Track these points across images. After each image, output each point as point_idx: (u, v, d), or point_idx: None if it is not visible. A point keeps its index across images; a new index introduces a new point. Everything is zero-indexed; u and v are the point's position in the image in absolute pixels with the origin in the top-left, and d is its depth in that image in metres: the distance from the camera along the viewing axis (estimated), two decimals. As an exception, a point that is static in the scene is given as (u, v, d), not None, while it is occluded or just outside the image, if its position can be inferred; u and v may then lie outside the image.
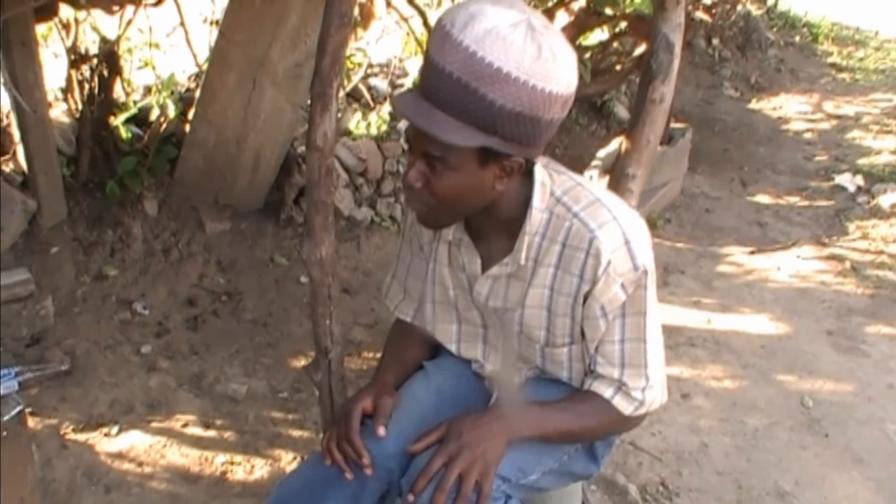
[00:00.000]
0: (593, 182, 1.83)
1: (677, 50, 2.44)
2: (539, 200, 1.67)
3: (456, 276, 1.86)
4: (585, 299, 1.69)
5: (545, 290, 1.73)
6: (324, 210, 1.96)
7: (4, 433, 2.03)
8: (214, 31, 3.58)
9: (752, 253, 4.55)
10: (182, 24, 3.37)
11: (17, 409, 2.09)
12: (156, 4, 2.96)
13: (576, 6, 4.60)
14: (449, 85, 1.44)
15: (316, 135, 1.86)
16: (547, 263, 1.71)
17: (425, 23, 3.92)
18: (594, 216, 1.65)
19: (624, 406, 1.77)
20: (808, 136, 6.30)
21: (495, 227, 1.73)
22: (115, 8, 2.87)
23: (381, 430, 1.78)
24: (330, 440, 1.80)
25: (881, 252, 4.60)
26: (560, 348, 1.81)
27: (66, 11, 3.18)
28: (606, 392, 1.77)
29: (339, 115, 4.26)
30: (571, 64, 1.51)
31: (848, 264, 4.45)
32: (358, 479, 1.80)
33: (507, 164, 1.56)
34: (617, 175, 2.54)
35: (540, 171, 1.68)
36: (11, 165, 3.29)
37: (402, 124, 4.33)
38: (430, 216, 1.66)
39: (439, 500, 1.62)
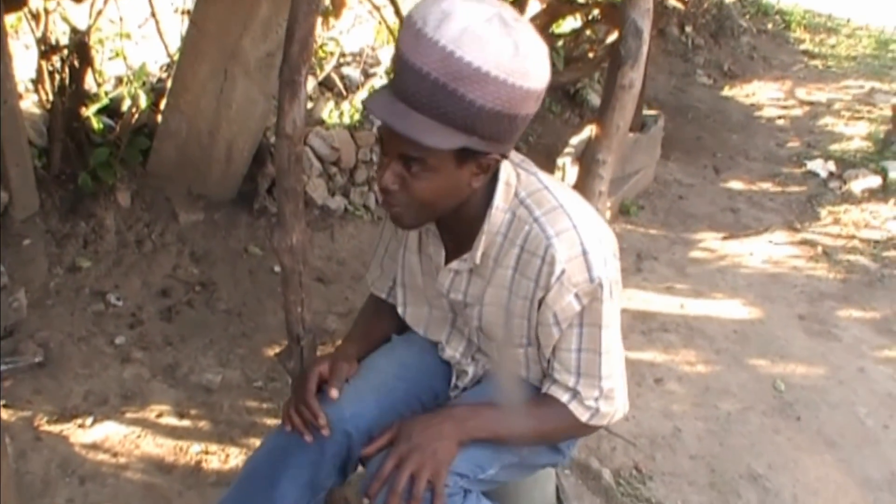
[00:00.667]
0: (564, 186, 1.81)
1: (646, 35, 2.45)
2: (501, 200, 1.66)
3: (424, 262, 1.87)
4: (540, 305, 1.68)
5: (504, 290, 1.73)
6: (294, 198, 1.96)
7: (-25, 426, 2.03)
8: (186, 22, 3.56)
9: (724, 239, 4.59)
10: (153, 14, 3.36)
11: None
12: None
13: (549, -6, 4.60)
14: (427, 87, 1.41)
15: (285, 122, 1.87)
16: (506, 265, 1.70)
17: (397, 11, 3.92)
18: (553, 223, 1.63)
19: (580, 413, 1.76)
20: (780, 122, 6.35)
21: (460, 223, 1.71)
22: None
23: (334, 392, 1.79)
24: (288, 405, 1.82)
25: (853, 237, 4.66)
26: (517, 349, 1.81)
27: (35, 2, 3.16)
28: (563, 397, 1.76)
29: (312, 104, 4.25)
30: (545, 58, 1.49)
31: (820, 249, 4.51)
32: (317, 445, 1.81)
33: (484, 161, 1.55)
34: (587, 161, 2.55)
35: (506, 171, 1.67)
36: (-18, 158, 3.27)
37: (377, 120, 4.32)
38: (407, 217, 1.63)
39: (393, 502, 1.63)
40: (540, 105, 1.55)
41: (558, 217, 1.64)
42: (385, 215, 2.01)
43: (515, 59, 1.42)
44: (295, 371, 2.14)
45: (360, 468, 1.89)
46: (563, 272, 1.61)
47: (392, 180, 1.55)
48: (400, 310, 2.00)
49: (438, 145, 1.45)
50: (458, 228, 1.73)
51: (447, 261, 1.79)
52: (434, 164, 1.51)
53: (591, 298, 1.65)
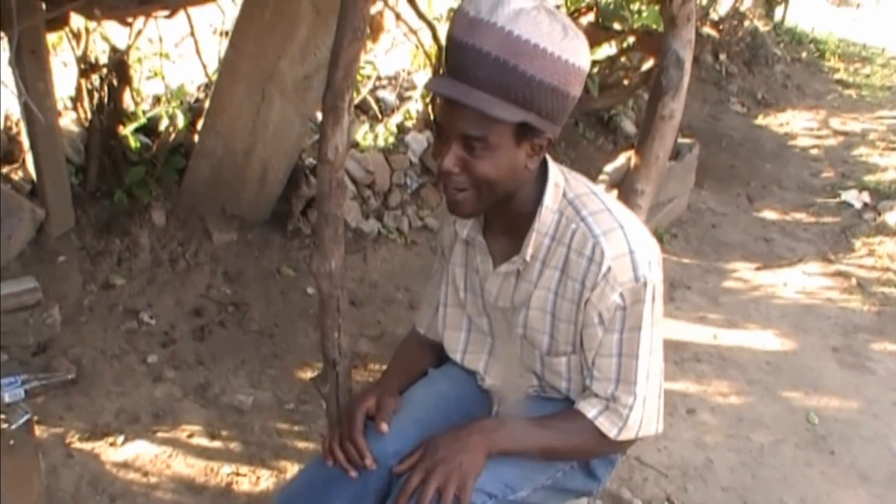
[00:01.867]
0: (609, 194, 1.83)
1: (687, 66, 2.45)
2: (551, 200, 1.69)
3: (469, 277, 1.88)
4: (585, 305, 1.69)
5: (549, 293, 1.74)
6: (334, 223, 1.97)
7: (11, 442, 2.04)
8: (224, 42, 3.60)
9: (758, 269, 4.55)
10: (192, 34, 3.39)
11: (25, 417, 2.10)
12: (168, 16, 2.97)
13: (584, 21, 4.61)
14: (487, 64, 1.47)
15: (327, 148, 1.88)
16: (553, 266, 1.71)
17: (434, 36, 3.93)
18: (600, 223, 1.66)
19: (607, 428, 1.75)
20: (814, 152, 6.31)
21: (508, 222, 1.74)
22: (129, 19, 2.89)
23: (384, 427, 1.79)
24: (332, 440, 1.81)
25: (887, 269, 4.60)
26: (561, 357, 1.80)
27: (77, 20, 3.19)
28: (591, 412, 1.75)
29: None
30: (586, 44, 1.56)
31: (854, 281, 4.46)
32: (361, 480, 1.80)
33: (538, 141, 1.59)
34: (626, 191, 2.55)
35: (554, 171, 1.71)
36: (20, 174, 3.31)
37: (410, 137, 4.34)
38: (468, 202, 1.65)
39: None
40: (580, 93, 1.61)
41: (605, 218, 1.67)
42: (438, 267, 2.03)
43: (566, 39, 1.50)
44: (330, 395, 2.14)
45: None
46: (609, 269, 1.63)
47: (453, 163, 1.58)
48: (440, 332, 2.01)
49: (502, 116, 1.50)
50: (505, 232, 1.76)
51: (494, 268, 1.81)
52: (495, 142, 1.54)
53: (634, 299, 1.66)
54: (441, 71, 1.82)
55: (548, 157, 1.70)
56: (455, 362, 2.03)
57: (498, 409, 1.98)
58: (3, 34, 2.64)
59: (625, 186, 2.58)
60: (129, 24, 2.92)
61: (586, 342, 1.74)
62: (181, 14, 3.39)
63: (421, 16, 3.75)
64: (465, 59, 1.50)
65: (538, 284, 1.75)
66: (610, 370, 1.73)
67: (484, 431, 1.74)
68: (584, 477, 1.93)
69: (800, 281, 4.43)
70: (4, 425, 2.06)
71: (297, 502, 1.86)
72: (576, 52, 1.52)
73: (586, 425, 1.76)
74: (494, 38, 1.46)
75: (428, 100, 4.48)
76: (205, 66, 3.63)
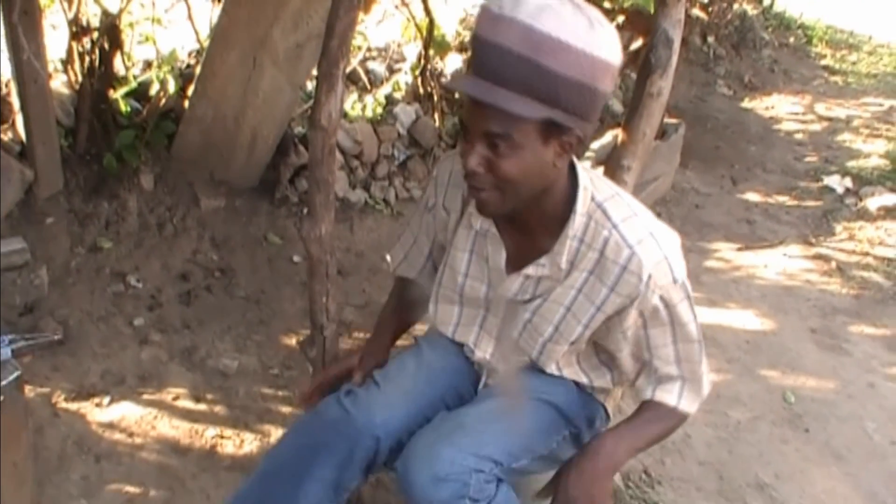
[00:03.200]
0: (627, 193, 1.87)
1: (676, 45, 2.47)
2: (581, 205, 1.70)
3: (474, 263, 1.89)
4: (620, 312, 1.75)
5: (573, 290, 1.77)
6: (325, 188, 1.99)
7: (2, 398, 2.06)
8: (216, 9, 3.60)
9: (740, 249, 4.60)
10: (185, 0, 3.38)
11: (15, 374, 2.12)
12: None
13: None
14: (510, 61, 1.45)
15: (321, 114, 1.90)
16: (582, 268, 1.75)
17: (426, 8, 3.94)
18: (633, 231, 1.70)
19: (687, 406, 1.88)
20: (799, 136, 6.36)
21: (534, 221, 1.75)
22: None
23: (358, 377, 1.95)
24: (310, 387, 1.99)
25: (867, 254, 4.67)
26: (560, 345, 1.86)
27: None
28: (671, 399, 1.87)
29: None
30: (616, 36, 1.54)
31: (834, 264, 4.52)
32: (347, 447, 1.86)
33: (567, 139, 1.57)
34: (612, 166, 2.57)
35: (584, 175, 1.72)
36: (10, 135, 3.30)
37: (399, 109, 4.35)
38: (493, 201, 1.64)
39: None
40: (613, 87, 1.60)
41: (636, 225, 1.71)
42: (419, 210, 2.06)
43: (591, 32, 1.47)
44: (317, 360, 2.17)
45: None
46: (649, 277, 1.68)
47: (477, 162, 1.57)
48: (431, 308, 2.03)
49: (525, 114, 1.49)
50: (532, 224, 1.77)
51: (507, 262, 1.83)
52: (519, 140, 1.53)
53: (675, 298, 1.73)
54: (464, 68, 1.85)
55: (574, 160, 1.71)
56: (440, 335, 2.06)
57: (486, 381, 2.03)
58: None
59: (611, 162, 2.60)
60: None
61: (632, 341, 1.83)
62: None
63: (413, -12, 3.76)
64: (487, 56, 1.49)
65: (564, 283, 1.78)
66: (670, 356, 1.83)
67: (602, 455, 1.82)
68: (573, 447, 2.00)
69: (781, 263, 4.49)
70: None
71: (286, 466, 1.91)
72: (603, 46, 1.49)
73: (670, 411, 1.87)
74: (516, 35, 1.44)
75: (417, 72, 4.50)
76: (197, 33, 3.63)
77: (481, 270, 1.89)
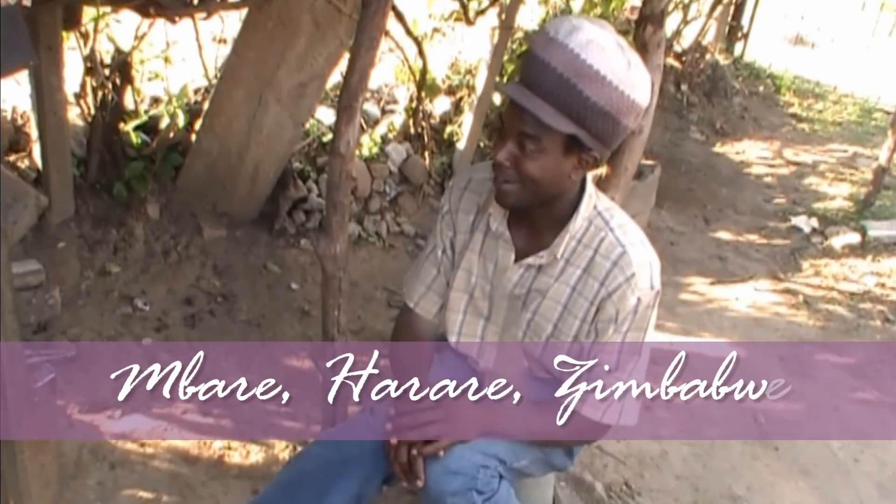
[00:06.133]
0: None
1: (656, 88, 2.70)
2: (584, 209, 1.92)
3: (484, 265, 2.08)
4: (602, 303, 1.91)
5: (568, 287, 1.96)
6: (341, 210, 2.19)
7: (37, 398, 2.21)
8: (222, 49, 3.80)
9: (712, 284, 4.80)
10: (197, 40, 3.57)
11: (50, 376, 2.28)
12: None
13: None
14: (552, 78, 1.69)
15: (340, 142, 2.10)
16: (576, 265, 1.94)
17: (420, 51, 4.14)
18: (627, 234, 1.91)
19: (591, 412, 1.98)
20: (768, 179, 6.55)
21: (540, 222, 1.95)
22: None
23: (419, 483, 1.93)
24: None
25: (832, 288, 4.89)
26: (561, 342, 2.02)
27: (85, 20, 3.36)
28: (587, 410, 1.98)
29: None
30: (649, 82, 1.78)
31: (801, 298, 4.73)
32: (373, 463, 2.01)
33: (585, 157, 1.80)
34: (597, 197, 2.78)
35: (590, 186, 1.94)
36: (27, 162, 3.47)
37: (391, 148, 4.55)
38: (512, 193, 1.86)
39: (402, 432, 1.90)
40: (636, 125, 1.83)
41: (630, 230, 1.93)
42: (431, 245, 2.20)
43: (628, 73, 1.71)
44: (328, 370, 2.34)
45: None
46: (633, 275, 1.87)
47: (506, 156, 1.80)
48: (444, 313, 2.20)
49: (554, 125, 1.71)
50: (537, 225, 1.97)
51: (514, 262, 2.01)
52: (546, 145, 1.76)
53: (647, 304, 1.91)
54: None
55: (587, 176, 1.93)
56: (448, 349, 2.22)
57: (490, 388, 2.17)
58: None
59: (596, 194, 2.81)
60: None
61: (593, 333, 1.96)
62: (183, 20, 3.58)
63: (409, 32, 3.94)
64: (535, 70, 1.71)
65: (559, 279, 1.97)
66: (609, 361, 1.95)
67: (484, 419, 1.97)
68: (563, 454, 2.18)
69: (751, 296, 4.69)
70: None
71: (311, 476, 2.05)
72: (633, 86, 1.72)
73: (574, 415, 1.97)
74: (564, 58, 1.67)
75: (410, 113, 4.69)
76: (206, 70, 3.81)
77: (488, 270, 2.07)
